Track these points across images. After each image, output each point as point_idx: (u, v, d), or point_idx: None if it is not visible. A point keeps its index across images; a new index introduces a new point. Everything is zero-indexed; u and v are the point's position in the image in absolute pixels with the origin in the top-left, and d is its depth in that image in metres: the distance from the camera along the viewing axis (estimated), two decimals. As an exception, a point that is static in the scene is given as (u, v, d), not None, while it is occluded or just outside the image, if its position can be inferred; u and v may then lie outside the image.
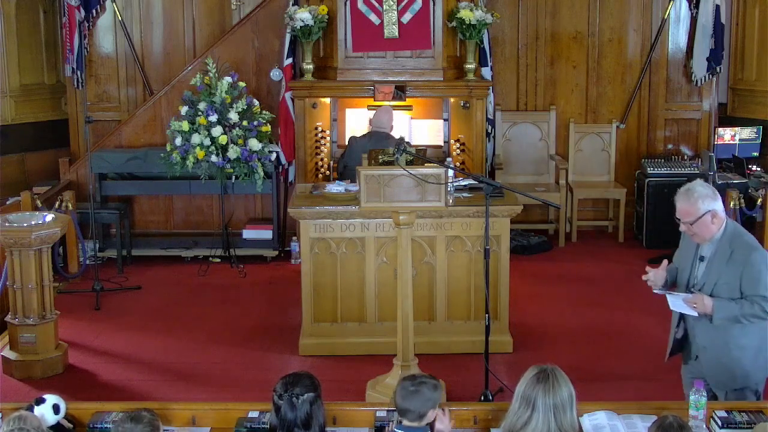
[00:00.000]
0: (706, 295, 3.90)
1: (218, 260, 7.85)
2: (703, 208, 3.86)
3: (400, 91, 7.30)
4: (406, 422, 3.32)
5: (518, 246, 7.84)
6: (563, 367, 3.17)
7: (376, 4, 7.29)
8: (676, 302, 3.98)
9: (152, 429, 3.16)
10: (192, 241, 8.06)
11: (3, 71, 8.28)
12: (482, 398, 5.03)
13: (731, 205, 7.16)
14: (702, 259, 3.98)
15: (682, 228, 3.95)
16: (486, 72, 7.94)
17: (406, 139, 6.85)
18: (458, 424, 3.64)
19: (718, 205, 3.91)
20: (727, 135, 8.16)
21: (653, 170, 8.16)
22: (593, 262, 7.83)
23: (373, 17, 7.31)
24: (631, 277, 7.46)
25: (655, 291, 4.08)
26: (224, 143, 7.33)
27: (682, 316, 4.09)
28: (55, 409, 3.48)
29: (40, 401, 3.47)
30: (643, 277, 4.10)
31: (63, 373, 5.65)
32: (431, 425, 3.35)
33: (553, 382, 3.05)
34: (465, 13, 7.27)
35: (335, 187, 6.02)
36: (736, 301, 3.86)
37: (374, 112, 7.21)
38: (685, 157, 8.61)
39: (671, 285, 4.16)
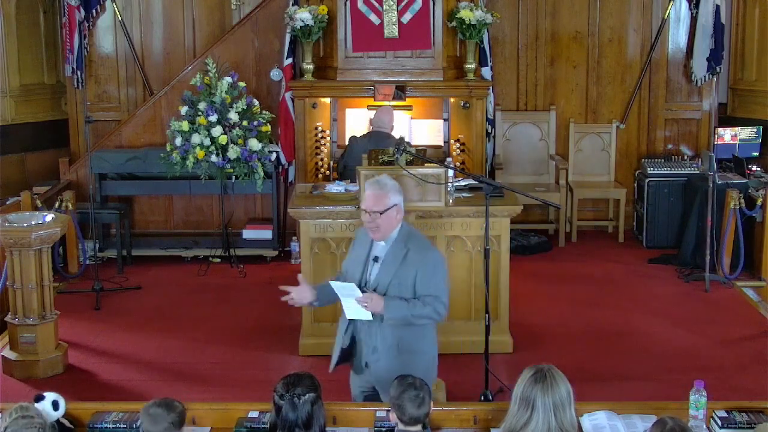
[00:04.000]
0: (377, 294, 3.86)
1: (218, 260, 7.84)
2: (392, 200, 3.88)
3: (400, 91, 7.30)
4: (412, 429, 3.26)
5: (518, 246, 7.84)
6: (563, 367, 3.16)
7: (376, 4, 7.29)
8: (350, 308, 3.89)
9: (179, 420, 3.20)
10: (192, 241, 8.06)
11: (3, 71, 8.28)
12: (482, 398, 5.03)
13: (731, 205, 7.15)
14: (376, 259, 3.95)
15: (366, 218, 3.89)
16: (486, 72, 7.94)
17: (406, 139, 6.85)
18: (458, 424, 3.65)
19: (402, 202, 3.93)
20: (727, 135, 8.15)
21: (653, 170, 8.16)
22: (593, 262, 7.83)
23: (373, 17, 7.31)
24: (631, 277, 7.48)
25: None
26: (224, 143, 7.33)
27: (350, 324, 4.00)
28: (55, 405, 3.49)
29: (40, 398, 3.49)
30: (283, 298, 4.01)
31: (63, 373, 5.64)
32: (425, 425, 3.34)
33: (551, 381, 3.04)
34: (465, 13, 7.28)
35: (335, 187, 6.01)
36: (409, 300, 3.84)
37: (374, 112, 7.22)
38: (685, 157, 8.61)
39: (327, 303, 4.09)
